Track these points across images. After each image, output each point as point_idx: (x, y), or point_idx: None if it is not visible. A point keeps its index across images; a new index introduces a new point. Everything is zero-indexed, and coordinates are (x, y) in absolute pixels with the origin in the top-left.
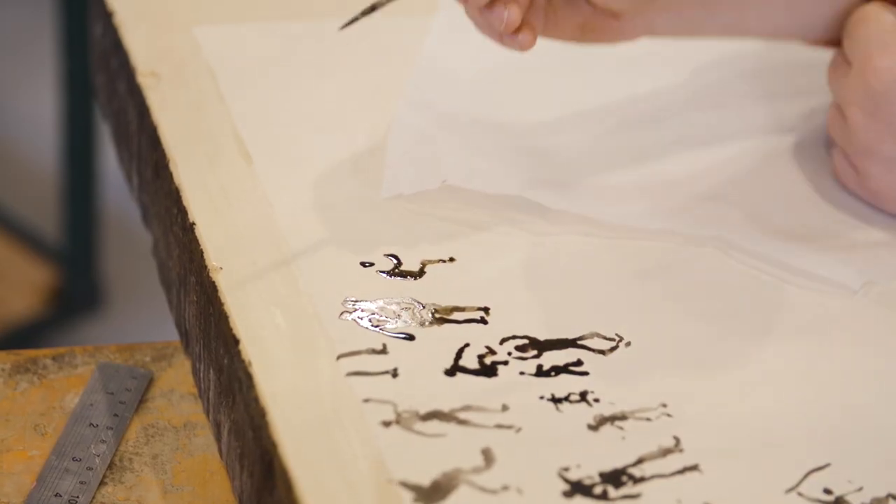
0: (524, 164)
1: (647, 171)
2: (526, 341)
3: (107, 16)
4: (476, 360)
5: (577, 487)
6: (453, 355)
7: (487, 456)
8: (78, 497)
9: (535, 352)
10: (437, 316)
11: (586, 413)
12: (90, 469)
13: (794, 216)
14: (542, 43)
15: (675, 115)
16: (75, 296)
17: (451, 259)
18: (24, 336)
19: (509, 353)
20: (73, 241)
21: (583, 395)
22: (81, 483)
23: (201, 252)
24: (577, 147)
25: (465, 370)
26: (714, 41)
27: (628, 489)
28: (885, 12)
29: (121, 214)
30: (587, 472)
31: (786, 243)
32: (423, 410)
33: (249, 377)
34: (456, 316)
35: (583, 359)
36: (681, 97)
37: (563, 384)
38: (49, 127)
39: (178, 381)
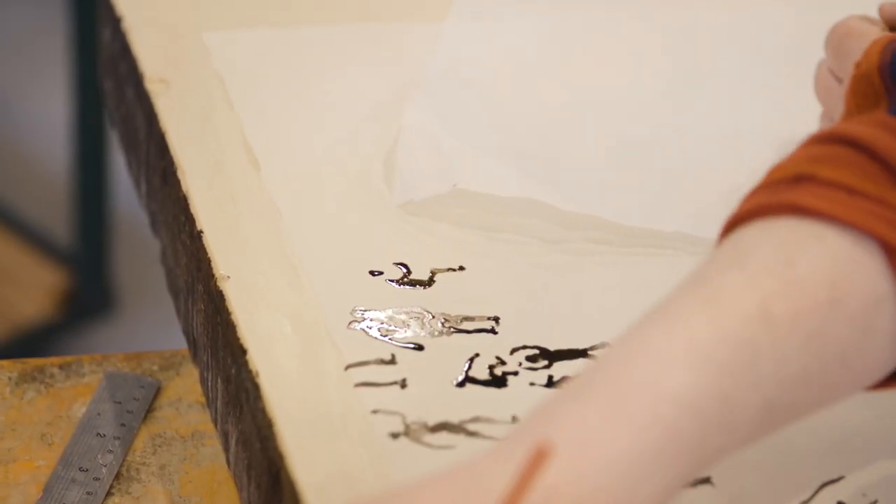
0: (534, 165)
1: (659, 172)
2: (536, 351)
3: (115, 21)
4: (486, 370)
5: None
6: (463, 366)
7: None
8: None
9: (545, 362)
10: (446, 325)
11: None
12: (97, 479)
13: None
14: (549, 44)
15: (687, 116)
16: (86, 299)
17: (461, 268)
18: (34, 339)
19: (520, 364)
20: (84, 245)
21: None
22: (88, 494)
23: (209, 260)
24: (588, 148)
25: (474, 381)
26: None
27: None
28: (866, 23)
29: (132, 218)
30: None
31: None
32: (431, 422)
33: (257, 388)
34: (466, 325)
35: None
36: (693, 98)
37: None
38: (61, 130)
39: (185, 390)
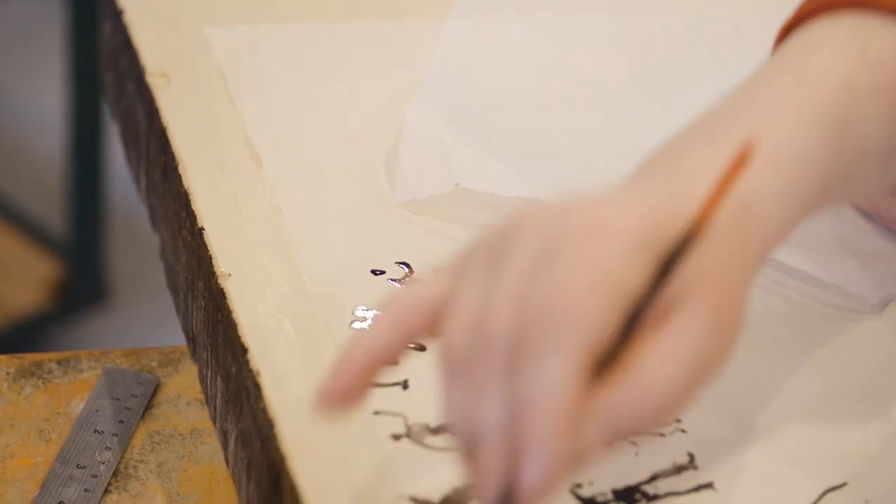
0: (537, 165)
1: None
2: None
3: (116, 14)
4: None
5: None
6: None
7: None
8: None
9: None
10: None
11: None
12: (94, 476)
13: (811, 224)
14: (552, 43)
15: (691, 118)
16: (80, 291)
17: None
18: (28, 331)
19: None
20: (79, 236)
21: None
22: (86, 491)
23: (210, 258)
24: (591, 148)
25: None
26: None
27: None
28: None
29: (128, 209)
30: (600, 489)
31: (803, 251)
32: (433, 423)
33: (258, 387)
34: None
35: None
36: (698, 100)
37: None
38: (57, 121)
39: (184, 386)
